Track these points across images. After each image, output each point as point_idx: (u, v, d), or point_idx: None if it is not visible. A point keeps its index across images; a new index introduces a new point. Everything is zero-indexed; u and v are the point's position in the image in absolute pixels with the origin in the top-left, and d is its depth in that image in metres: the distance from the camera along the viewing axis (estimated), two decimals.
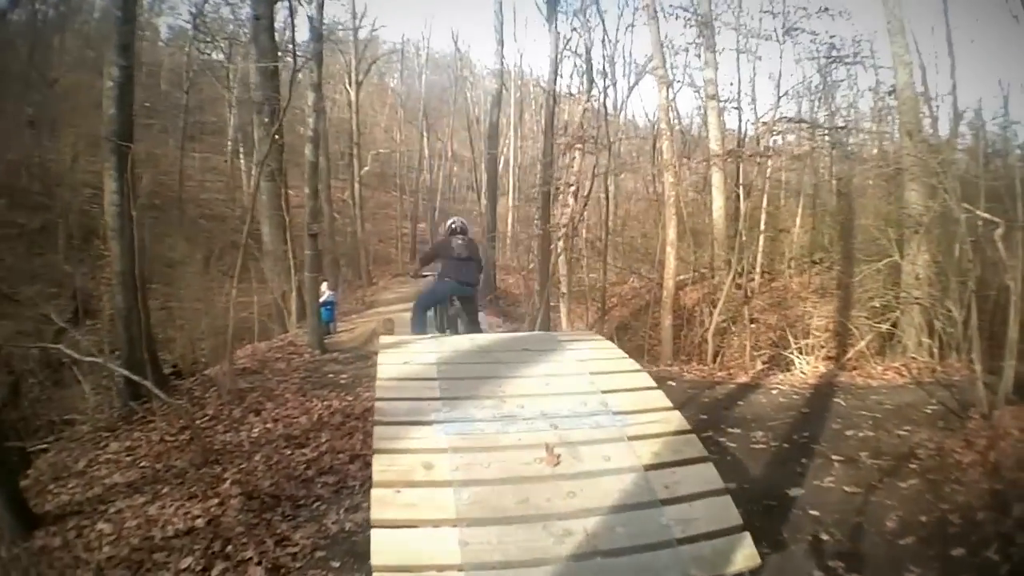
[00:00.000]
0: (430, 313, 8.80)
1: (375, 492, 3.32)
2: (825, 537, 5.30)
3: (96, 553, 6.36)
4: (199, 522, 6.49)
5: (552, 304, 17.50)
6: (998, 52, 30.24)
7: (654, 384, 4.61)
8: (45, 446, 10.06)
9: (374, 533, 3.09)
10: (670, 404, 4.35)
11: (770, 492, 6.21)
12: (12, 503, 6.96)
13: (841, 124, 20.62)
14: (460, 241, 8.67)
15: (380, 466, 3.47)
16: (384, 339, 5.74)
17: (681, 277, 16.49)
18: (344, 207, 33.76)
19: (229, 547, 5.95)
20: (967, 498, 5.83)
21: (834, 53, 19.17)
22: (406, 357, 4.92)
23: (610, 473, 3.63)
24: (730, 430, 8.23)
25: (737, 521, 3.48)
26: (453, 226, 8.98)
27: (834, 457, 7.03)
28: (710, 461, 3.93)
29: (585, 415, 4.10)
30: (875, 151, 20.34)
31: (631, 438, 3.93)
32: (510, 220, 35.43)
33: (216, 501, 6.87)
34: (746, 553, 3.28)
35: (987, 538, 5.15)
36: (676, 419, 4.21)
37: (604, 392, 4.39)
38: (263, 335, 17.33)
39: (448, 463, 3.53)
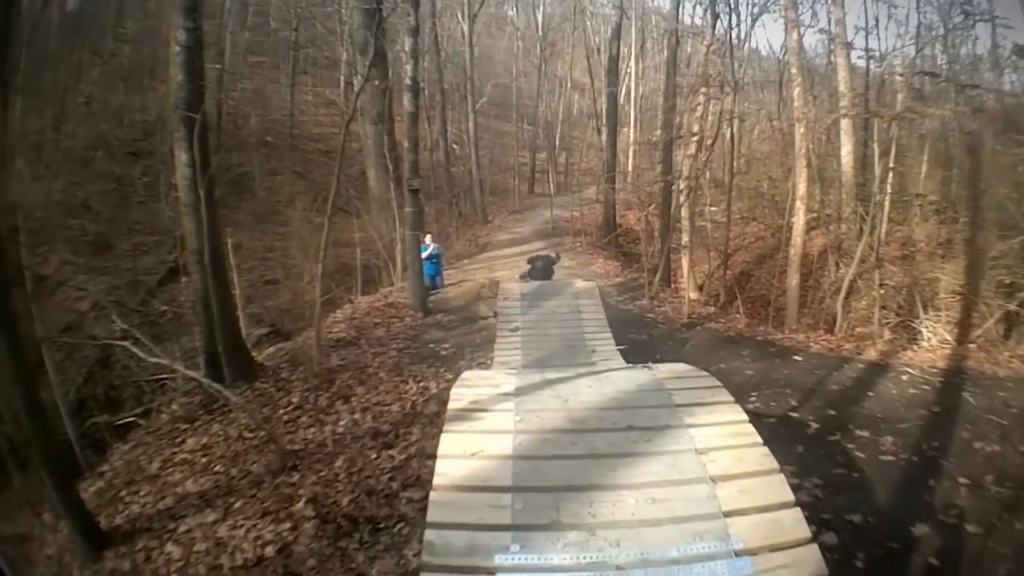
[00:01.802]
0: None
1: None
2: None
3: None
4: (269, 550, 6.06)
5: (672, 246, 16.73)
6: None
7: (791, 498, 3.59)
8: (132, 418, 9.80)
9: None
10: (808, 534, 3.31)
11: (894, 529, 5.81)
12: (80, 523, 6.66)
13: (976, 84, 19.03)
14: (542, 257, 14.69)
15: None
16: (455, 399, 4.72)
17: (808, 216, 15.47)
18: (462, 141, 33.08)
19: None
20: None
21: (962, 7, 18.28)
22: (475, 444, 4.03)
23: None
24: (859, 433, 7.86)
25: None
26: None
27: (961, 480, 6.68)
28: None
29: (698, 559, 3.14)
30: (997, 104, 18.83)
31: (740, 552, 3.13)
32: (631, 154, 34.04)
33: (289, 525, 6.38)
34: None
35: None
36: (813, 559, 3.20)
37: (727, 515, 3.43)
38: (369, 283, 17.02)
39: None
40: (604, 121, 26.98)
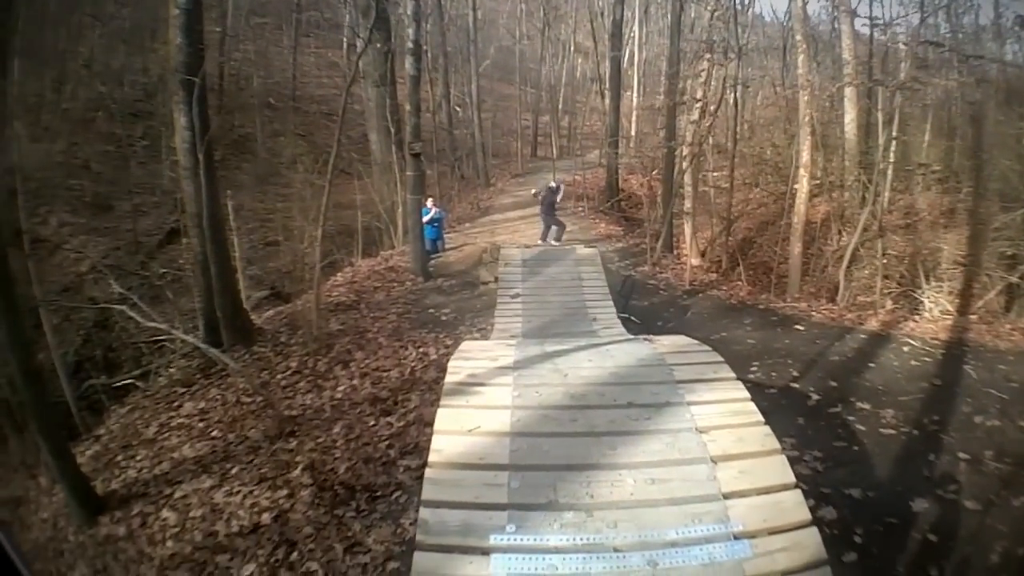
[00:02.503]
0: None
1: None
2: (934, 573, 5.00)
3: (159, 548, 6.05)
4: (265, 517, 6.06)
5: (674, 212, 16.66)
6: None
7: (792, 479, 3.54)
8: (129, 380, 9.80)
9: None
10: (808, 517, 3.30)
11: (894, 504, 5.80)
12: (76, 489, 6.70)
13: (979, 54, 18.79)
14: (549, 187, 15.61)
15: None
16: (452, 372, 4.72)
17: (812, 183, 15.43)
18: (465, 103, 33.11)
19: (294, 554, 5.53)
20: None
21: None
22: (472, 420, 3.99)
23: None
24: (860, 405, 7.81)
25: None
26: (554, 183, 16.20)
27: (960, 455, 6.65)
28: None
29: (696, 542, 3.13)
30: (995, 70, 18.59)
31: (740, 532, 3.16)
32: (634, 119, 34.02)
33: (285, 492, 6.39)
34: None
35: None
36: (813, 542, 3.19)
37: (727, 496, 3.40)
38: (370, 245, 17.01)
39: None
40: (607, 85, 26.76)
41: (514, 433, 3.83)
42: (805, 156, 14.35)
